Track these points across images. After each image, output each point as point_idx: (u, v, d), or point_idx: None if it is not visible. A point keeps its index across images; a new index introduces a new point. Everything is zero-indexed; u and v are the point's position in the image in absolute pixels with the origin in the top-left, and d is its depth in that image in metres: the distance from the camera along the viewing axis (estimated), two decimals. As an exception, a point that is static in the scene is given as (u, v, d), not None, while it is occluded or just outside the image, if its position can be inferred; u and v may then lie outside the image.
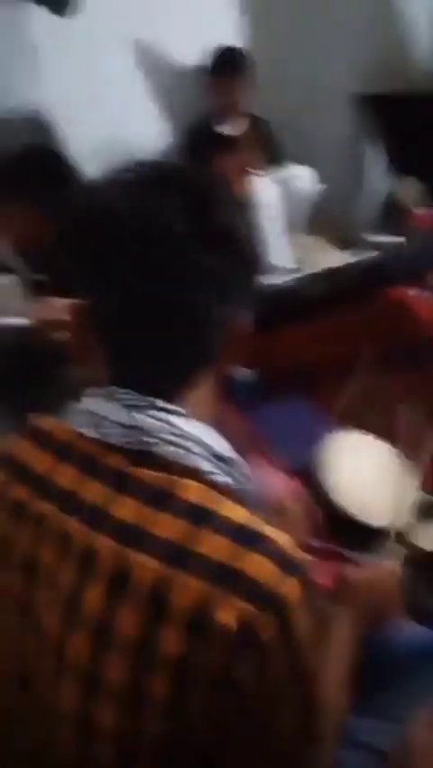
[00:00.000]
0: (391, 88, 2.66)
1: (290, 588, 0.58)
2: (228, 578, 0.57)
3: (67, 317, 1.07)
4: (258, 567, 0.58)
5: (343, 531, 1.29)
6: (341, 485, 1.38)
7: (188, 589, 0.57)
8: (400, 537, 1.31)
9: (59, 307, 1.10)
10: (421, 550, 1.27)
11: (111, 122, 2.41)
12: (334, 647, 0.79)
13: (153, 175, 0.65)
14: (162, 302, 0.62)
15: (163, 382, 0.66)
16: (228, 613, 0.56)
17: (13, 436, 0.73)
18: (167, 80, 2.64)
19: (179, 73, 2.64)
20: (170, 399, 0.65)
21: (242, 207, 0.69)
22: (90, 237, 0.63)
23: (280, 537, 0.61)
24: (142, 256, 0.61)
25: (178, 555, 0.58)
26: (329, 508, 1.30)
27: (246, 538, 0.59)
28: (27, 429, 0.73)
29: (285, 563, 0.59)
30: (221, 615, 0.56)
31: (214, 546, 0.58)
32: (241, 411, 1.42)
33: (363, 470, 1.45)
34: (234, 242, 0.64)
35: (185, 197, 0.62)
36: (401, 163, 2.93)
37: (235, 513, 0.61)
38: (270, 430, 1.50)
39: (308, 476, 1.33)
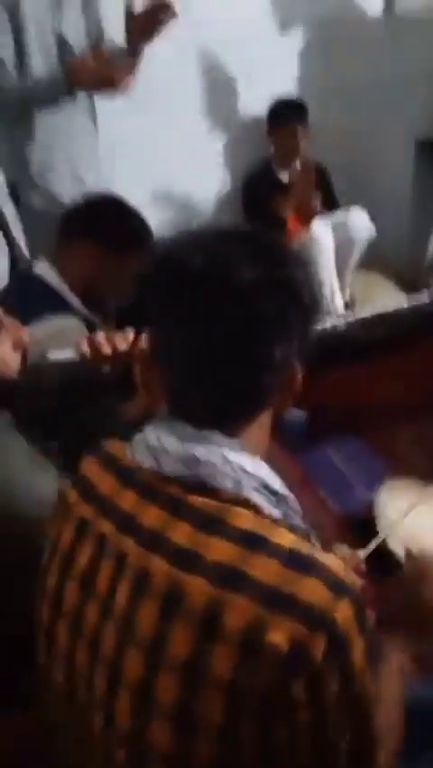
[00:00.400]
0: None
1: (342, 610, 0.59)
2: (280, 600, 0.58)
3: (110, 351, 1.11)
4: (310, 590, 0.59)
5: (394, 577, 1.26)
6: (396, 532, 1.35)
7: (240, 610, 0.58)
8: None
9: (107, 341, 1.14)
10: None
11: (167, 172, 2.49)
12: (386, 680, 0.77)
13: (224, 233, 0.72)
14: (228, 344, 0.67)
15: (221, 418, 0.69)
16: (280, 634, 0.57)
17: (86, 457, 0.77)
18: (229, 129, 2.73)
19: (241, 122, 2.73)
20: (226, 434, 0.69)
21: (302, 259, 0.74)
22: (169, 284, 0.69)
23: (332, 562, 0.62)
24: (213, 302, 0.66)
25: (231, 578, 0.60)
26: (383, 555, 1.27)
27: (298, 563, 0.61)
28: (98, 451, 0.77)
29: (337, 587, 0.60)
30: (273, 636, 0.57)
31: (266, 570, 0.60)
32: (291, 451, 1.41)
33: (420, 519, 1.42)
34: (296, 292, 0.69)
35: (252, 252, 0.68)
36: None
37: (286, 539, 0.63)
38: (320, 470, 1.48)
39: (360, 519, 1.31)
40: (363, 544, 1.23)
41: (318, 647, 0.57)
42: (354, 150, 2.79)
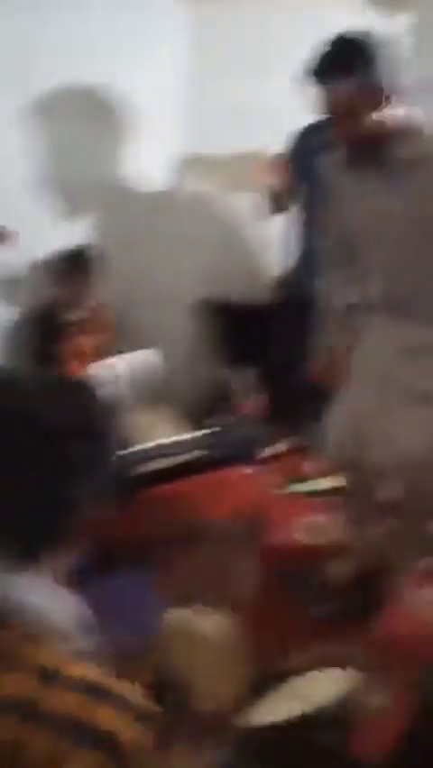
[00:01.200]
0: (226, 296, 3.05)
1: (137, 734, 0.62)
2: (79, 731, 0.60)
3: None
4: (107, 718, 0.61)
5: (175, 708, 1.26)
6: (177, 663, 1.37)
7: (39, 745, 0.59)
8: (234, 715, 1.30)
9: None
10: (254, 727, 1.27)
11: None
12: None
13: (32, 378, 0.80)
14: (36, 485, 0.71)
15: (26, 551, 0.72)
16: (79, 764, 0.59)
17: None
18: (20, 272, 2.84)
19: (32, 266, 2.86)
20: (30, 565, 0.72)
21: (108, 403, 0.81)
22: None
23: (128, 689, 0.65)
24: (21, 444, 0.71)
25: (30, 713, 0.60)
26: (163, 687, 1.28)
27: (96, 692, 0.63)
28: None
29: (134, 712, 0.63)
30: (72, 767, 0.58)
31: (64, 702, 0.61)
32: (75, 584, 1.40)
33: (197, 648, 1.45)
34: (102, 435, 0.76)
35: (60, 396, 0.74)
36: (233, 356, 3.29)
37: (83, 671, 0.65)
38: (104, 604, 1.47)
39: (142, 653, 1.32)
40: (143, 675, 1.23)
41: None
42: (143, 296, 3.04)
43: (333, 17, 2.88)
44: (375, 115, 1.45)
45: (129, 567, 1.70)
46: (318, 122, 2.45)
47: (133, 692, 0.65)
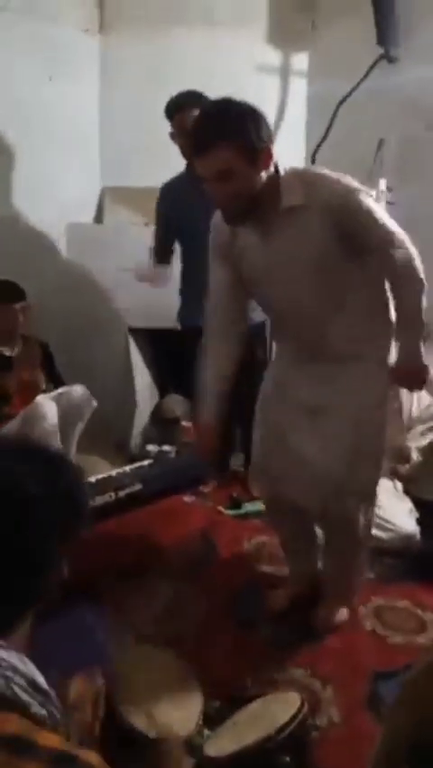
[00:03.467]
0: (155, 324, 3.07)
1: None
2: None
3: None
4: None
5: (128, 742, 1.26)
6: (129, 697, 1.37)
7: None
8: (188, 746, 1.31)
9: None
10: (209, 757, 1.28)
11: None
12: None
13: (3, 446, 0.79)
14: (9, 552, 0.72)
15: None
16: None
17: None
18: None
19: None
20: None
21: (77, 466, 0.83)
22: None
23: (92, 758, 0.67)
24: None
25: None
26: (116, 721, 1.28)
27: (64, 762, 0.64)
28: None
29: None
30: None
31: None
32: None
33: (151, 682, 1.45)
34: (75, 499, 0.78)
35: (33, 463, 0.76)
36: (167, 381, 3.31)
37: (51, 741, 0.66)
38: (55, 639, 1.45)
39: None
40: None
41: None
42: (76, 333, 3.03)
43: (242, 53, 3.06)
44: (253, 181, 1.50)
45: (77, 601, 1.68)
46: (179, 176, 2.54)
47: (98, 761, 0.67)
